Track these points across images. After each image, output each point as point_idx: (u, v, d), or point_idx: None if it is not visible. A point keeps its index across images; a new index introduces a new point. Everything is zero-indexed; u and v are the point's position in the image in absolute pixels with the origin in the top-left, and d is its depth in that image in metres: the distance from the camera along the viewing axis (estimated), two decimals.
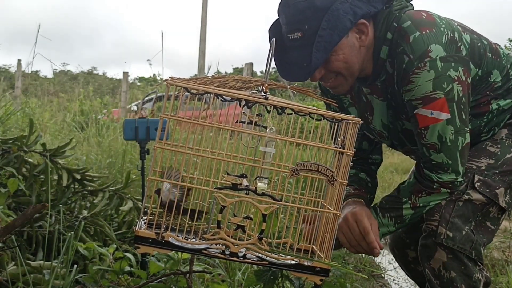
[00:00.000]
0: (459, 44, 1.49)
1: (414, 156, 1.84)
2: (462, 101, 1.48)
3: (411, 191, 1.58)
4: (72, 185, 2.37)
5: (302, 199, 1.29)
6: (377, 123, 1.70)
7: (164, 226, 1.17)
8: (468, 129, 1.52)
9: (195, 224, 1.21)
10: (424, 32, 1.46)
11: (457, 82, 1.46)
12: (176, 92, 1.09)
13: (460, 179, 1.53)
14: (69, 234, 1.68)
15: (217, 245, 1.12)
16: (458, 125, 1.48)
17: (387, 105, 1.64)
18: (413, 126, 1.54)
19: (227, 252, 1.11)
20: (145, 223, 1.17)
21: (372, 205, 1.70)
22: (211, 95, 1.09)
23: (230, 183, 1.11)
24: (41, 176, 2.30)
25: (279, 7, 1.51)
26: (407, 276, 2.05)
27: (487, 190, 1.56)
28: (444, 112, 1.46)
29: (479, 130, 1.64)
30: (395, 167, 7.44)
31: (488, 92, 1.60)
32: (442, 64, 1.45)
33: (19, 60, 10.57)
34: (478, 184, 1.56)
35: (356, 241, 1.55)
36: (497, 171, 1.58)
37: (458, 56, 1.47)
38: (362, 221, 1.54)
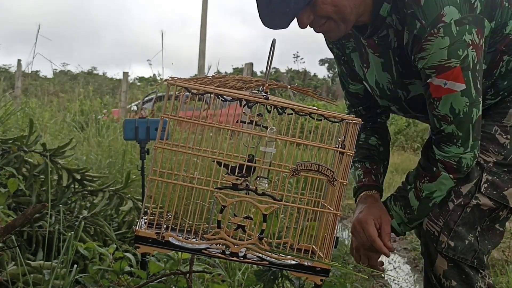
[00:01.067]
0: (473, 0, 1.36)
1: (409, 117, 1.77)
2: (476, 68, 1.37)
3: (415, 176, 1.53)
4: (72, 185, 2.37)
5: (302, 199, 1.29)
6: (370, 78, 1.62)
7: (164, 226, 1.17)
8: (481, 99, 1.42)
9: (196, 224, 1.21)
10: None
11: (471, 47, 1.35)
12: (176, 92, 1.09)
13: (468, 156, 1.44)
14: (69, 234, 1.68)
15: (217, 245, 1.12)
16: (474, 96, 1.39)
17: (383, 64, 1.55)
18: (426, 95, 1.45)
19: (227, 252, 1.11)
20: (145, 223, 1.17)
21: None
22: (212, 95, 1.09)
23: (230, 183, 1.11)
24: (41, 176, 2.30)
25: None
26: (407, 276, 2.04)
27: (494, 192, 1.49)
28: (458, 82, 1.36)
29: (485, 92, 1.52)
30: (395, 167, 7.45)
31: (502, 48, 1.48)
32: (458, 28, 1.33)
33: (19, 60, 10.58)
34: (485, 186, 1.49)
35: (368, 247, 1.55)
36: (506, 169, 1.50)
37: (472, 16, 1.35)
38: (367, 229, 1.52)
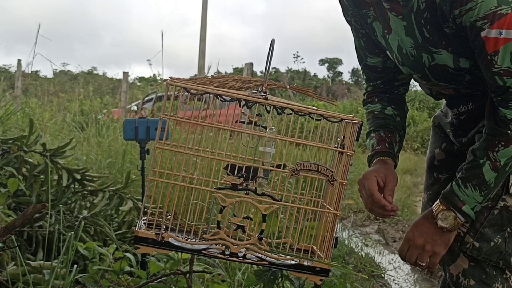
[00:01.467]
0: None
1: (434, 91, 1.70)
2: None
3: (485, 147, 1.41)
4: (72, 185, 2.37)
5: (302, 199, 1.29)
6: (393, 44, 1.56)
7: (164, 226, 1.17)
8: None
9: (195, 224, 1.22)
10: None
11: None
12: (176, 92, 1.10)
13: None
14: (69, 234, 1.68)
15: (217, 245, 1.12)
16: None
17: (405, 28, 1.49)
18: (479, 54, 1.36)
19: (227, 252, 1.11)
20: (145, 223, 1.17)
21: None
22: (211, 95, 1.09)
23: (230, 183, 1.11)
24: (41, 176, 2.31)
25: None
26: (407, 276, 2.04)
27: None
28: None
29: None
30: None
31: None
32: None
33: (19, 60, 10.58)
34: None
35: (371, 205, 1.51)
36: None
37: None
38: (366, 184, 1.50)
